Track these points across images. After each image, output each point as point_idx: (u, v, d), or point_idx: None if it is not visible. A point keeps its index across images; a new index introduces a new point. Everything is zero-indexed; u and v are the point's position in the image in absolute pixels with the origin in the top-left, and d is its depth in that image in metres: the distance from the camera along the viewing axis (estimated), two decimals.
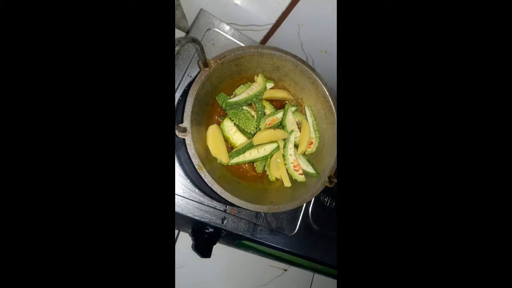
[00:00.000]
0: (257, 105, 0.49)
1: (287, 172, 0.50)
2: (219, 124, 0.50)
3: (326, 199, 0.64)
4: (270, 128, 0.50)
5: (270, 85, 0.51)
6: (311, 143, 0.53)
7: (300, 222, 0.59)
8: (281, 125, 0.52)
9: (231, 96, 0.50)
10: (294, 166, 0.50)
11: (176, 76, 0.51)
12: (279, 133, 0.50)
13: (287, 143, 0.50)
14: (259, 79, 0.49)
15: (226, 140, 0.49)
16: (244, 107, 0.49)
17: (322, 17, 0.50)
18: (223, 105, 0.47)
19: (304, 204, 0.60)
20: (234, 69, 0.48)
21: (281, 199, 0.47)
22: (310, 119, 0.53)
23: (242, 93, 0.48)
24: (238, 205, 0.43)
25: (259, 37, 0.59)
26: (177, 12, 0.58)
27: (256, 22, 0.56)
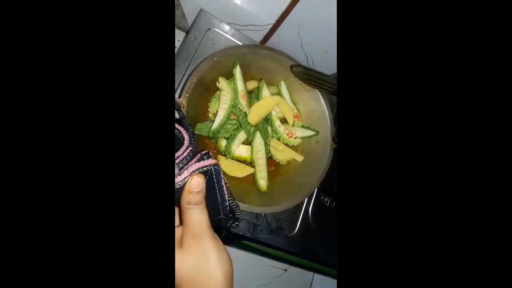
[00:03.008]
0: (236, 111, 0.49)
1: (285, 143, 0.52)
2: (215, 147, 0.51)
3: (326, 199, 0.64)
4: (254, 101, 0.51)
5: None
6: (297, 116, 0.55)
7: (300, 222, 0.59)
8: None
9: (209, 116, 0.51)
10: (287, 134, 0.52)
11: (176, 76, 0.51)
12: (270, 100, 0.51)
13: (271, 119, 0.52)
14: (222, 84, 0.48)
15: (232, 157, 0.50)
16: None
17: (322, 17, 0.50)
18: (210, 134, 0.47)
19: (304, 204, 0.60)
20: (200, 89, 0.47)
21: (281, 199, 0.48)
22: (286, 94, 0.54)
23: (219, 110, 0.48)
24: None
25: (259, 37, 0.59)
26: (177, 12, 0.58)
27: (256, 22, 0.56)
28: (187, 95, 0.42)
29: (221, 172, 0.30)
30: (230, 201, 0.33)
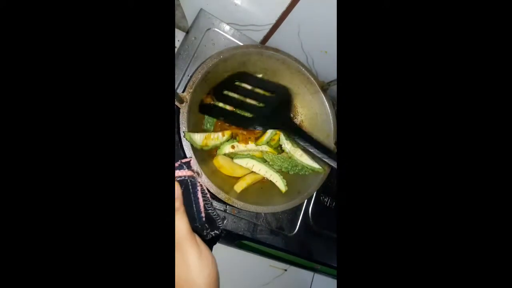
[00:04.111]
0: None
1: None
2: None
3: (326, 199, 0.64)
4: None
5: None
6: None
7: (300, 222, 0.59)
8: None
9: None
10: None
11: (176, 76, 0.51)
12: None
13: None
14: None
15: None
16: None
17: (322, 17, 0.50)
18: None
19: (304, 204, 0.60)
20: (205, 86, 0.47)
21: (281, 200, 0.48)
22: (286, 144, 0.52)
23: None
24: (239, 207, 0.43)
25: (259, 37, 0.59)
26: (177, 12, 0.58)
27: (256, 22, 0.56)
28: (191, 90, 0.42)
29: (198, 184, 0.30)
30: (209, 211, 0.33)
